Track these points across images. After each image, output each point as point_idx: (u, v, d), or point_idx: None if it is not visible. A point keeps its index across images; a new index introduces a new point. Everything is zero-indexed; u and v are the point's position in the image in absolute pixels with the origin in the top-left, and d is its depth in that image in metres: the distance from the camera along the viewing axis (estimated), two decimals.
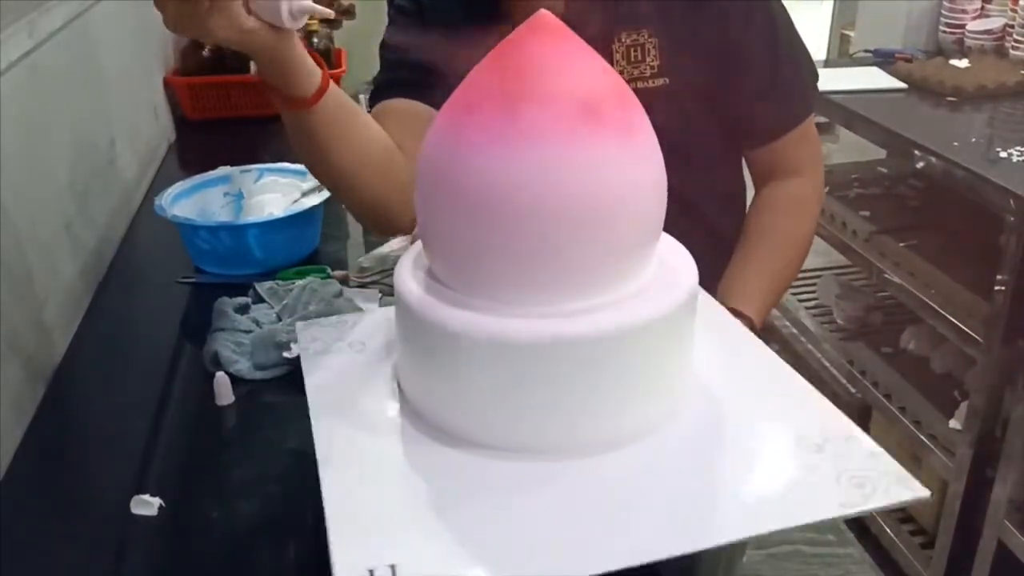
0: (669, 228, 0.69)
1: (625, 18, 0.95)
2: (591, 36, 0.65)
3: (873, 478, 0.59)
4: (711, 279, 0.97)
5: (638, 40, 0.94)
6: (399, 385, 0.72)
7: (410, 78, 0.99)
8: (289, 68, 0.82)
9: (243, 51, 0.78)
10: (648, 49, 0.95)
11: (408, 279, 0.68)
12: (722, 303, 0.95)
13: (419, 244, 0.74)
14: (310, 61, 0.84)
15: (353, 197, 0.98)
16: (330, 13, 0.80)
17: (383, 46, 1.08)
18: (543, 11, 0.64)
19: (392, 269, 0.73)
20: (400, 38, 1.04)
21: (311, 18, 2.09)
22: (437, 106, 0.67)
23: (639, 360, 0.63)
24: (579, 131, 0.60)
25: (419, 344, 0.67)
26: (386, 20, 1.10)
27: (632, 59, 0.95)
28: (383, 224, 1.03)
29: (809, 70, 1.04)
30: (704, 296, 0.70)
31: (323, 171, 0.94)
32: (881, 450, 0.62)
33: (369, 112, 1.05)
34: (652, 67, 0.95)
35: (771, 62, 0.98)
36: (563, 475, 0.61)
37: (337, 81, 1.99)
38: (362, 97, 1.69)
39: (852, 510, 0.57)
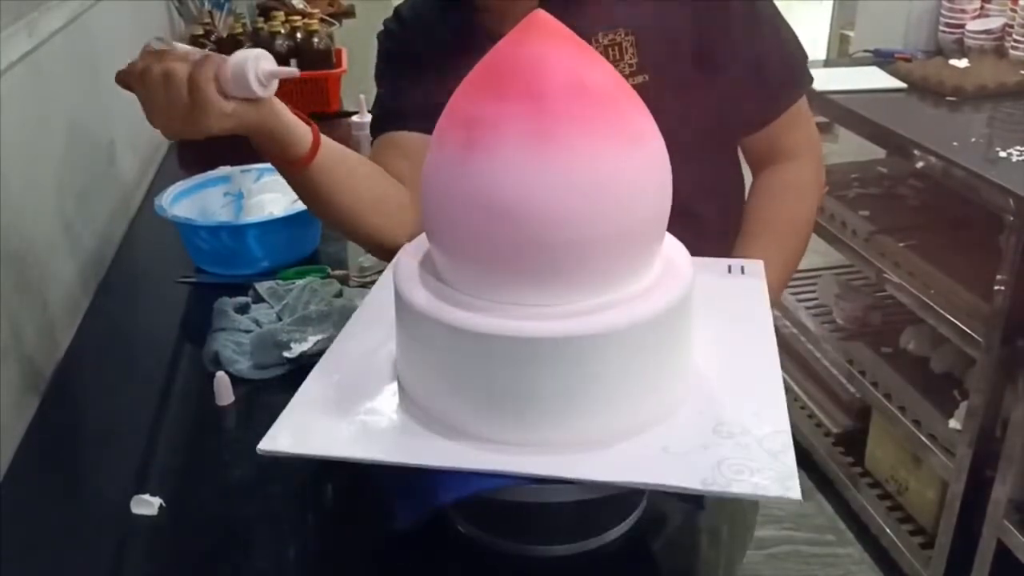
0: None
1: (601, 19, 0.95)
2: None
3: (756, 469, 0.59)
4: None
5: (615, 39, 0.95)
6: (400, 384, 0.72)
7: (406, 107, 1.00)
8: (279, 135, 0.84)
9: (235, 133, 0.81)
10: (625, 47, 0.95)
11: (409, 279, 0.68)
12: None
13: (416, 242, 0.74)
14: (298, 123, 0.86)
15: (361, 237, 1.01)
16: (296, 72, 0.82)
17: (376, 77, 1.08)
18: (540, 11, 0.64)
19: None
20: (391, 66, 1.05)
21: (311, 18, 2.07)
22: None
23: (639, 358, 0.63)
24: (584, 132, 0.60)
25: (425, 344, 0.67)
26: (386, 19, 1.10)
27: (611, 59, 0.95)
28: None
29: (795, 52, 1.02)
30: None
31: (329, 218, 0.98)
32: (789, 453, 0.61)
33: (372, 141, 1.07)
34: (631, 64, 0.95)
35: (753, 48, 0.97)
36: (566, 471, 0.62)
37: (337, 80, 2.00)
38: (362, 97, 1.69)
39: (710, 487, 0.58)
